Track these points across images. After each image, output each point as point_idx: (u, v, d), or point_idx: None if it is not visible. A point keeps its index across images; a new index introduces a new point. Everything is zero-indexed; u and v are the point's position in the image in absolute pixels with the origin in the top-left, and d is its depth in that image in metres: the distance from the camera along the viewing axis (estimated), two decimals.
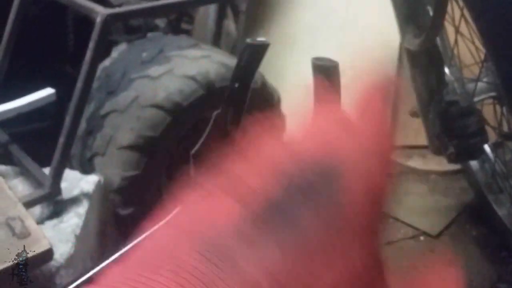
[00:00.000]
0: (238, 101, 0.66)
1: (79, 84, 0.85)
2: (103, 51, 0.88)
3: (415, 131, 1.68)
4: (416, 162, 1.64)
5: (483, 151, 1.08)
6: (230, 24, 2.06)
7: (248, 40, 0.65)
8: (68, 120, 0.85)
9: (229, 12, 2.06)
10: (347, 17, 1.66)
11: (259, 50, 0.64)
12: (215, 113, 0.67)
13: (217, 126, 0.67)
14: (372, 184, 0.24)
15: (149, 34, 1.28)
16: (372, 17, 1.63)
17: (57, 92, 1.21)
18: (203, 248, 0.18)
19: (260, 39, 0.65)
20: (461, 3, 1.00)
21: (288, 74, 1.71)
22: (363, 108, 0.27)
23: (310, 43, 1.70)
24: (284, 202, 0.21)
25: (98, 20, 0.84)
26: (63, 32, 1.29)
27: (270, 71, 1.78)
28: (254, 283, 0.18)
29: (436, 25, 0.74)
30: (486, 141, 1.07)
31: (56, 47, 1.30)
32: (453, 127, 1.04)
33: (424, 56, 0.99)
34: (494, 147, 1.38)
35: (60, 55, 1.30)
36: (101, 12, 0.84)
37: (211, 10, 1.99)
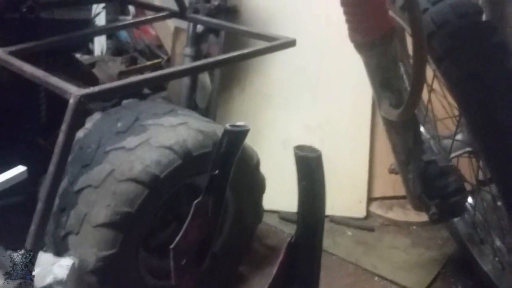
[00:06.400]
0: (218, 189, 0.64)
1: (51, 168, 0.82)
2: (76, 131, 0.85)
3: (393, 182, 1.69)
4: (396, 214, 1.64)
5: (464, 209, 1.08)
6: (205, 78, 2.07)
7: (227, 126, 0.63)
8: (39, 207, 0.82)
9: None
10: (320, 74, 1.69)
11: (239, 136, 0.62)
12: (195, 202, 0.65)
13: (198, 215, 0.64)
14: None
15: (124, 102, 1.26)
16: (344, 74, 1.66)
17: (28, 164, 1.17)
18: None
19: (240, 123, 0.64)
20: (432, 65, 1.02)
21: (265, 130, 1.71)
22: None
23: (284, 99, 1.71)
24: None
25: (71, 101, 0.82)
26: (35, 102, 1.26)
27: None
28: None
29: (414, 100, 0.75)
30: (466, 199, 1.07)
31: (28, 118, 1.27)
32: (433, 188, 1.04)
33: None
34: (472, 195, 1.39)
35: (32, 126, 1.26)
36: (74, 93, 0.83)
37: (186, 63, 1.99)
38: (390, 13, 0.92)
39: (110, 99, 1.29)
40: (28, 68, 0.92)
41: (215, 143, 1.11)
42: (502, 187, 0.80)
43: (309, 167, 0.56)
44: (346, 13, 0.83)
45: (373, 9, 0.81)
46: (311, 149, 0.57)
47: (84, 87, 1.23)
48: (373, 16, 0.82)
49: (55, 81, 0.87)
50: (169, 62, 2.34)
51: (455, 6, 0.80)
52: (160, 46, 2.49)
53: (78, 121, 0.83)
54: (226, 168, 0.64)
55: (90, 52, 2.54)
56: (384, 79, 0.90)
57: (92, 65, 2.32)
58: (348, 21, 0.85)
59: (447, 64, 0.79)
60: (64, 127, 0.82)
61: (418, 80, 0.71)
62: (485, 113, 0.77)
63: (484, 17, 0.82)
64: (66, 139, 0.82)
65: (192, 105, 1.91)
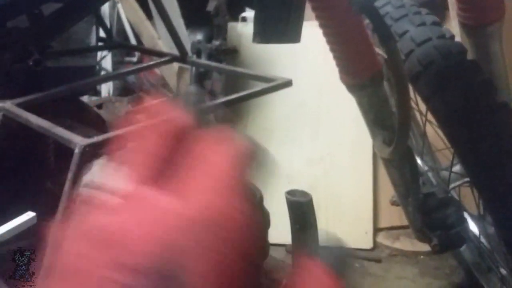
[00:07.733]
0: None
1: (59, 216, 0.85)
2: (81, 179, 0.89)
3: (398, 212, 1.69)
4: (403, 244, 1.64)
5: (465, 240, 1.09)
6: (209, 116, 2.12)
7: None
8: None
9: None
10: (320, 108, 1.72)
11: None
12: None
13: None
14: (226, 272, 0.23)
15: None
16: (344, 107, 1.69)
17: (37, 208, 1.21)
18: None
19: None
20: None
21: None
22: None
23: (286, 134, 1.74)
24: None
25: (76, 151, 0.86)
26: (43, 148, 1.30)
27: None
28: None
29: (403, 137, 0.78)
30: (466, 230, 1.08)
31: (36, 163, 1.31)
32: (433, 220, 1.06)
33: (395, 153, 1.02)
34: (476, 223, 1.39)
35: (41, 171, 1.30)
36: (78, 143, 0.86)
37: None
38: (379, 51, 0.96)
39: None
40: (34, 119, 0.96)
41: None
42: (495, 219, 0.82)
43: (301, 212, 0.59)
44: (334, 57, 0.87)
45: (360, 52, 0.85)
46: (303, 193, 0.60)
47: (91, 134, 1.28)
48: (361, 59, 0.85)
49: (60, 131, 0.91)
50: None
51: (440, 47, 0.83)
52: (165, 85, 2.55)
53: (83, 170, 0.86)
54: None
55: (97, 93, 2.61)
56: (376, 117, 0.93)
57: (100, 106, 2.38)
58: (337, 64, 0.88)
59: (435, 103, 0.82)
60: (70, 175, 0.85)
61: (404, 119, 0.74)
62: (473, 147, 0.79)
63: (468, 56, 0.86)
64: (72, 187, 0.85)
65: None
